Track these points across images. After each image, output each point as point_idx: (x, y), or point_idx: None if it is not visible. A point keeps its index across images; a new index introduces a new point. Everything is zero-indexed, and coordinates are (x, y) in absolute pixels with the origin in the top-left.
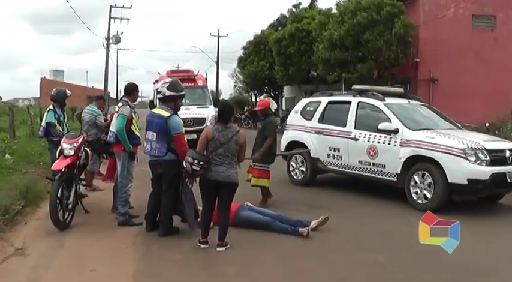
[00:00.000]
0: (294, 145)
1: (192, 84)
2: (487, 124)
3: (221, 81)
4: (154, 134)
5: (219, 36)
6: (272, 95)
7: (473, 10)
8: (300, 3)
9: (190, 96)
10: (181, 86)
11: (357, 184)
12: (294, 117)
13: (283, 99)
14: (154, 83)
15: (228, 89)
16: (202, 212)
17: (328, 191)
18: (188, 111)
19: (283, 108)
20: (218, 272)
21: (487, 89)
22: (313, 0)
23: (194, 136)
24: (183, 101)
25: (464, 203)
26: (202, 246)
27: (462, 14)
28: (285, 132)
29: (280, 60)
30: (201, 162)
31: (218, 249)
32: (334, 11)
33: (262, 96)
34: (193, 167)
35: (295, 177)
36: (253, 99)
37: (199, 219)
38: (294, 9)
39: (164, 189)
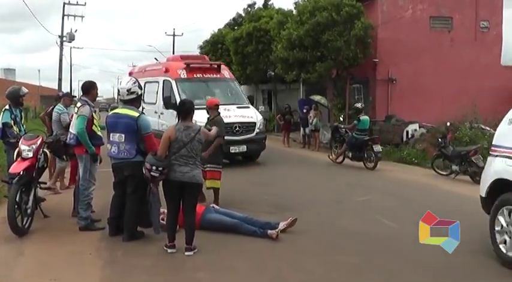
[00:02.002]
0: (504, 187)
1: (217, 76)
2: (448, 123)
3: None
4: (123, 135)
5: (174, 36)
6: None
7: (431, 12)
8: (254, 3)
9: (215, 92)
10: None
11: (326, 185)
12: (507, 131)
13: None
14: (135, 72)
15: None
16: (168, 214)
17: (296, 191)
18: (230, 113)
19: None
20: (188, 278)
21: (444, 89)
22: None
23: (244, 148)
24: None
25: None
26: (169, 250)
27: (420, 15)
28: (489, 160)
29: (237, 60)
30: (160, 168)
31: (186, 253)
32: (293, 11)
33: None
34: (152, 173)
35: (502, 248)
36: None
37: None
38: (249, 9)
39: (129, 192)
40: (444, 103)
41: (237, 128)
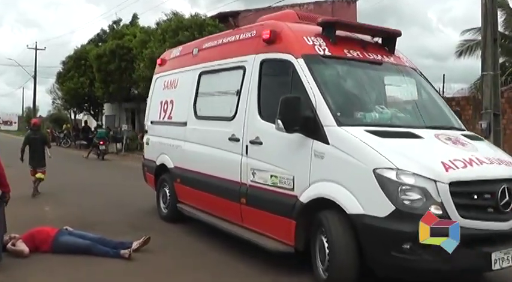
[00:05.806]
0: None
1: (391, 61)
2: None
3: (38, 97)
4: None
5: (36, 49)
6: (92, 112)
7: None
8: (120, 20)
9: (396, 95)
10: None
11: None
12: None
13: (104, 117)
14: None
15: (46, 105)
16: None
17: (153, 212)
18: (468, 154)
19: (104, 126)
20: None
21: None
22: (134, 17)
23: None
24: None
25: None
26: None
27: None
28: None
29: (100, 77)
30: None
31: None
32: (157, 29)
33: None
34: None
35: None
36: (73, 116)
37: None
38: (114, 26)
39: None
40: None
41: (506, 197)
